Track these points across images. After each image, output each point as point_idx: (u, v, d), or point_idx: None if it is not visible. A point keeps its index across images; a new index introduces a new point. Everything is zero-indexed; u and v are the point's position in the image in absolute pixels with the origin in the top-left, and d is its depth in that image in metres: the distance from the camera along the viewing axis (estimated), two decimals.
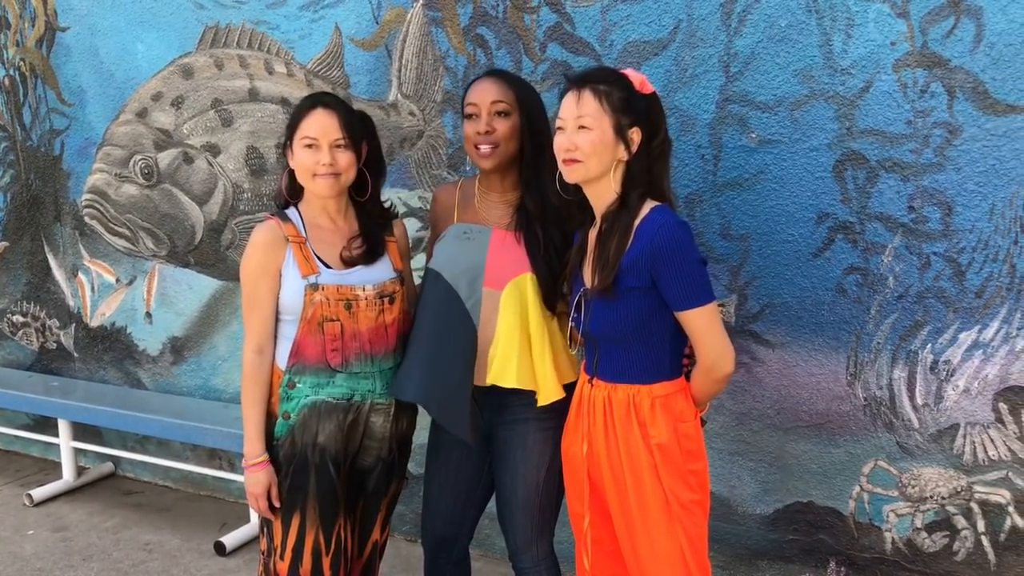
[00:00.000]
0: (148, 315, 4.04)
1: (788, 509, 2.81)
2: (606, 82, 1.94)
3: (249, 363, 2.20)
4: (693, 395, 2.02)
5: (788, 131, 2.61)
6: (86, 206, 4.06)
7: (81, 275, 4.21)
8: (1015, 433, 2.49)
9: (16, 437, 4.53)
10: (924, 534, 2.64)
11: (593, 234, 2.05)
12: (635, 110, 1.94)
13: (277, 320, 2.21)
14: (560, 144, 1.96)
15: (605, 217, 2.00)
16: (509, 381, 2.14)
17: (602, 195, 2.00)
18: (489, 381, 2.17)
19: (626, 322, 1.95)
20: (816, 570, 2.80)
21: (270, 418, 2.22)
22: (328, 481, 2.20)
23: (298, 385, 2.19)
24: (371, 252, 2.24)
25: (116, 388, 4.15)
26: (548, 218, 2.17)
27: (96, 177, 4.00)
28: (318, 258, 2.19)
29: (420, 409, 2.40)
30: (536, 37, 2.94)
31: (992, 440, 2.52)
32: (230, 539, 3.49)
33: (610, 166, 1.95)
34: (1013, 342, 2.46)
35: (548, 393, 2.17)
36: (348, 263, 2.21)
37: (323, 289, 2.16)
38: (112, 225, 4.00)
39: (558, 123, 1.97)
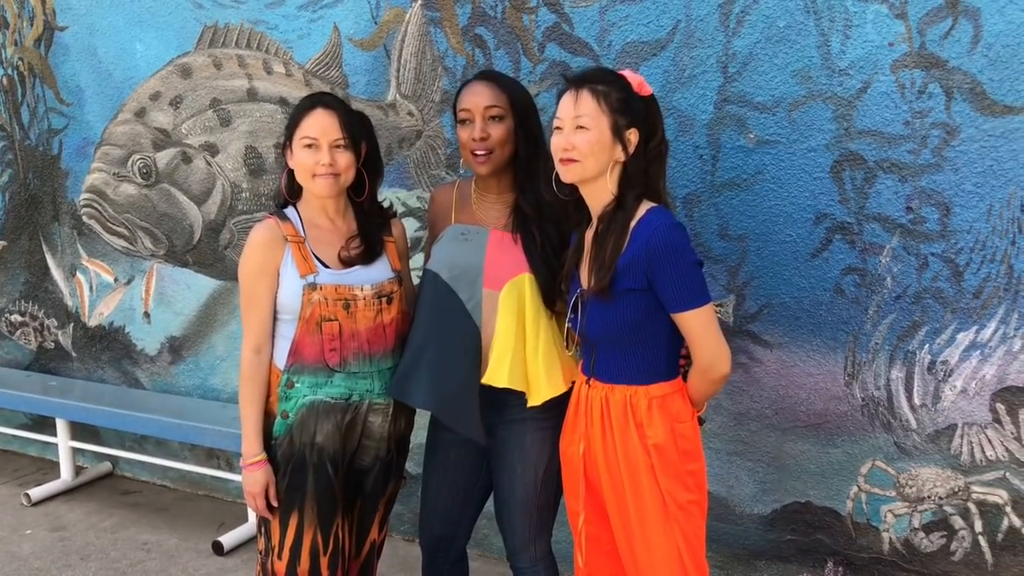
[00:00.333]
0: (146, 315, 4.04)
1: (786, 509, 2.81)
2: (604, 82, 1.94)
3: (247, 362, 2.20)
4: (690, 396, 2.02)
5: (786, 132, 2.62)
6: (84, 205, 4.06)
7: (79, 275, 4.21)
8: (1012, 433, 2.49)
9: (14, 436, 4.53)
10: (921, 534, 2.64)
11: (589, 235, 2.05)
12: (633, 111, 1.95)
13: (275, 319, 2.21)
14: (557, 144, 1.96)
15: (601, 218, 2.00)
16: (501, 381, 2.14)
17: (599, 195, 2.00)
18: (483, 381, 2.17)
19: (622, 323, 1.96)
20: (814, 570, 2.80)
21: (268, 417, 2.23)
22: (326, 481, 2.20)
23: (296, 385, 2.19)
24: (369, 252, 2.24)
25: (114, 388, 4.15)
26: (545, 218, 2.17)
27: (94, 176, 4.00)
28: (316, 258, 2.19)
29: (419, 409, 2.41)
30: (535, 37, 2.94)
31: (989, 440, 2.52)
32: (228, 539, 3.49)
33: (607, 166, 1.95)
34: (1010, 342, 2.46)
35: (539, 394, 2.16)
36: (346, 263, 2.21)
37: (321, 289, 2.16)
38: (110, 224, 4.00)
39: (556, 123, 1.97)
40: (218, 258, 3.77)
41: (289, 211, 2.25)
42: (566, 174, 1.97)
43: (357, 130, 2.20)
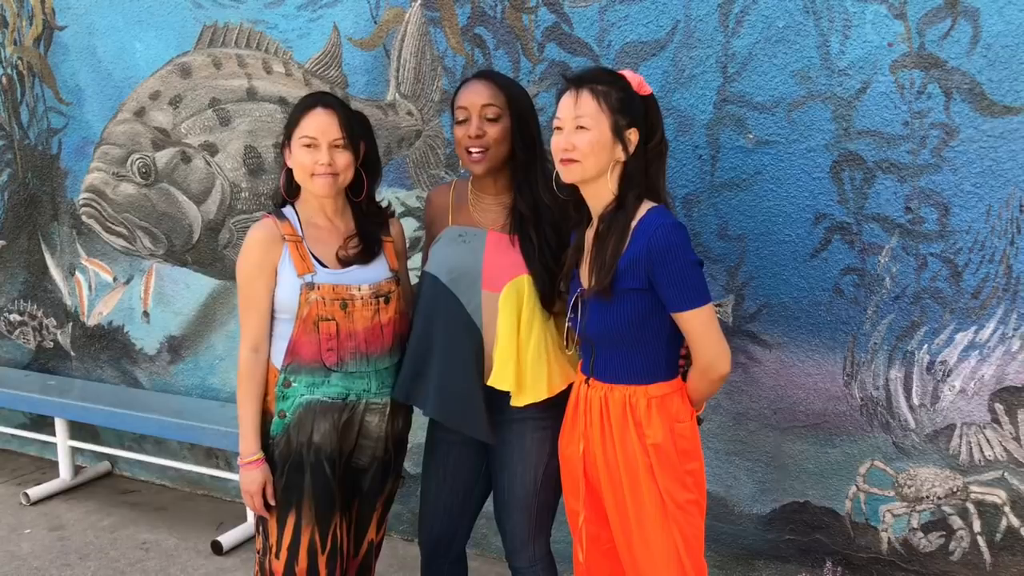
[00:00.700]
0: (145, 314, 4.04)
1: (785, 509, 2.81)
2: (604, 83, 1.94)
3: (245, 361, 2.20)
4: (689, 395, 2.02)
5: (785, 132, 2.62)
6: (83, 205, 4.06)
7: (78, 274, 4.21)
8: (1011, 433, 2.50)
9: (13, 436, 4.53)
10: (920, 534, 2.65)
11: (590, 235, 2.05)
12: (633, 111, 1.95)
13: (273, 319, 2.21)
14: (558, 144, 1.96)
15: (602, 218, 2.00)
16: (506, 384, 2.14)
17: (599, 195, 2.00)
18: (489, 383, 2.17)
19: (623, 323, 1.96)
20: (812, 570, 2.80)
21: (266, 416, 2.23)
22: (323, 480, 2.20)
23: (294, 384, 2.19)
24: (367, 252, 2.24)
25: (113, 387, 4.15)
26: (542, 219, 2.17)
27: (94, 176, 4.00)
28: (314, 257, 2.19)
29: (416, 408, 2.41)
30: (534, 37, 2.94)
31: (988, 440, 2.52)
32: (227, 538, 3.49)
33: (607, 166, 1.95)
34: (1009, 343, 2.47)
35: (522, 396, 2.16)
36: (344, 262, 2.21)
37: (319, 288, 2.16)
38: (109, 224, 4.00)
39: (556, 123, 1.97)
40: (217, 257, 3.77)
41: (287, 210, 2.25)
42: (567, 174, 1.97)
43: (356, 130, 2.20)
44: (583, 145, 1.92)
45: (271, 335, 2.22)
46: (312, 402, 2.18)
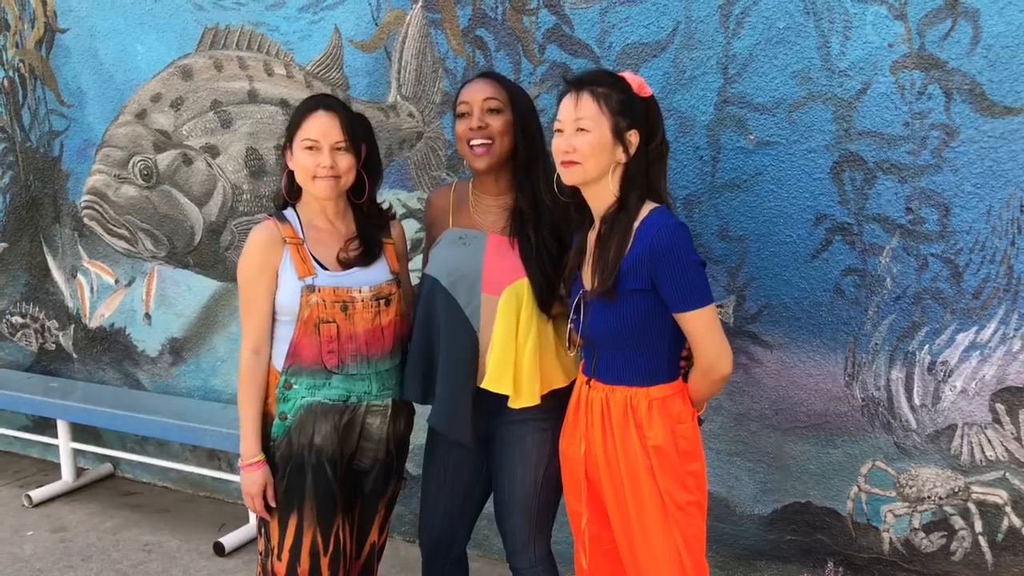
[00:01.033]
0: (147, 316, 4.04)
1: (786, 509, 2.81)
2: (604, 84, 1.95)
3: (246, 363, 2.21)
4: (690, 396, 2.03)
5: (786, 133, 2.62)
6: (85, 207, 4.06)
7: (80, 276, 4.21)
8: (1012, 433, 2.50)
9: (15, 438, 4.54)
10: (922, 534, 2.65)
11: (592, 236, 2.06)
12: (633, 112, 1.95)
13: (274, 321, 2.22)
14: (558, 146, 1.96)
15: (604, 219, 2.00)
16: (501, 387, 2.15)
17: (601, 197, 2.00)
18: (484, 385, 2.17)
19: (625, 324, 1.96)
20: (814, 570, 2.80)
21: (267, 419, 2.23)
22: (325, 482, 2.20)
23: (294, 386, 2.19)
24: (368, 254, 2.24)
25: (115, 389, 4.15)
26: (542, 219, 2.17)
27: (95, 178, 4.00)
28: (315, 259, 2.20)
29: (418, 409, 2.41)
30: (535, 39, 2.94)
31: (989, 440, 2.53)
32: (229, 540, 3.49)
33: (608, 168, 1.95)
34: (1010, 343, 2.47)
35: (526, 398, 2.16)
36: (345, 265, 2.21)
37: (319, 291, 2.16)
38: (111, 226, 4.01)
39: (556, 125, 1.98)
40: (219, 259, 3.78)
41: (288, 212, 2.25)
42: (568, 176, 1.97)
43: (358, 132, 2.20)
44: (584, 147, 1.92)
45: (272, 337, 2.22)
46: (313, 404, 2.18)
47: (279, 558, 2.22)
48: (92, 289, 4.19)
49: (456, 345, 2.17)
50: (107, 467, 4.33)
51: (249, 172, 3.62)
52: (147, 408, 3.80)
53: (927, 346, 2.56)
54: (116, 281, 4.11)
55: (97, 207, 4.02)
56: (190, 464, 3.99)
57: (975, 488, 2.56)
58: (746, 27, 2.62)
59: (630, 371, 2.00)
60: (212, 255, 3.79)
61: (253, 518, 3.61)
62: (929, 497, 2.62)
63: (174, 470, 4.08)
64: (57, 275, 4.29)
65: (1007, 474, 2.52)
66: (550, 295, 2.16)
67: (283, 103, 3.47)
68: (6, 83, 4.20)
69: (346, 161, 2.16)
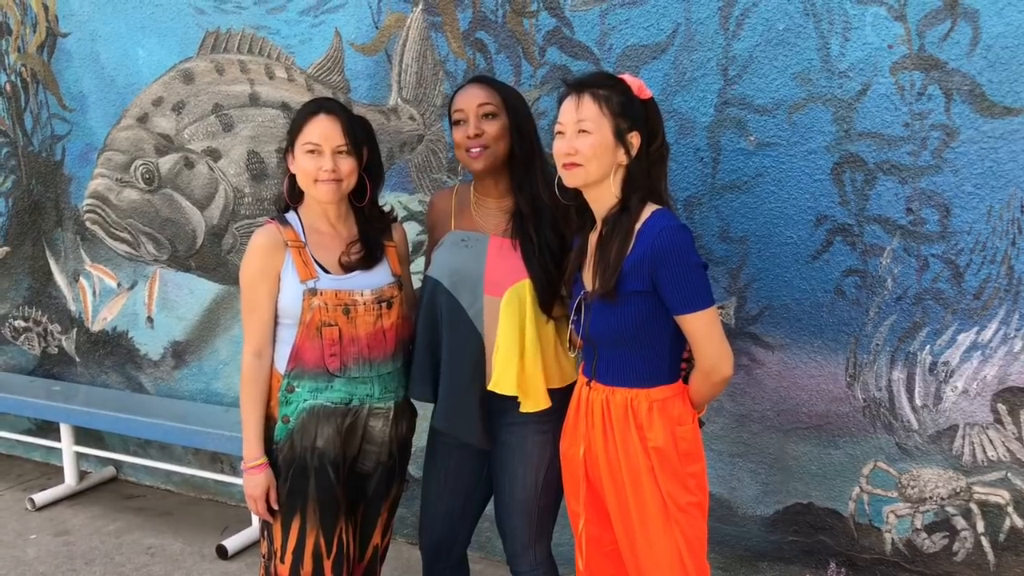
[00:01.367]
0: (149, 319, 4.05)
1: (788, 510, 2.82)
2: (605, 87, 1.95)
3: (248, 366, 2.21)
4: (691, 398, 2.03)
5: (786, 134, 2.62)
6: (87, 211, 4.07)
7: (83, 280, 4.22)
8: (1014, 434, 2.50)
9: (18, 442, 4.54)
10: (924, 535, 2.65)
11: (593, 238, 2.06)
12: (634, 114, 1.96)
13: (276, 324, 2.22)
14: (560, 148, 1.97)
15: (606, 221, 2.00)
16: (507, 389, 2.15)
17: (602, 199, 2.01)
18: (489, 388, 2.17)
19: (626, 325, 1.96)
20: (816, 571, 2.80)
21: (270, 422, 2.23)
22: (327, 484, 2.21)
23: (297, 389, 2.19)
24: (370, 257, 2.25)
25: (118, 392, 4.16)
26: (542, 219, 2.18)
27: (97, 182, 4.01)
28: (317, 263, 2.20)
29: (420, 412, 2.42)
30: (535, 41, 2.95)
31: (991, 441, 2.53)
32: (232, 543, 3.50)
33: (610, 169, 1.96)
34: (1011, 343, 2.47)
35: (535, 402, 2.17)
36: (347, 268, 2.22)
37: (321, 294, 2.16)
38: (113, 230, 4.02)
39: (557, 128, 1.98)
40: (221, 263, 3.78)
41: (290, 216, 2.26)
42: (570, 178, 1.98)
43: (359, 136, 2.21)
44: (585, 148, 1.93)
45: (274, 340, 2.23)
46: (315, 407, 2.19)
47: (282, 561, 2.22)
48: (94, 293, 4.19)
49: (461, 346, 2.18)
50: (110, 470, 4.33)
51: (250, 175, 3.62)
52: (150, 411, 3.80)
53: (928, 347, 2.56)
54: (118, 285, 4.11)
55: (99, 211, 4.03)
56: (193, 467, 3.99)
57: (977, 488, 2.56)
58: (746, 29, 2.62)
59: (631, 372, 2.00)
60: (214, 258, 3.79)
61: (256, 521, 3.61)
62: (931, 498, 2.62)
63: (177, 473, 4.08)
64: (59, 279, 4.30)
65: (1009, 474, 2.52)
66: (551, 295, 2.17)
67: (284, 106, 3.48)
68: (8, 87, 4.21)
69: (348, 164, 2.17)
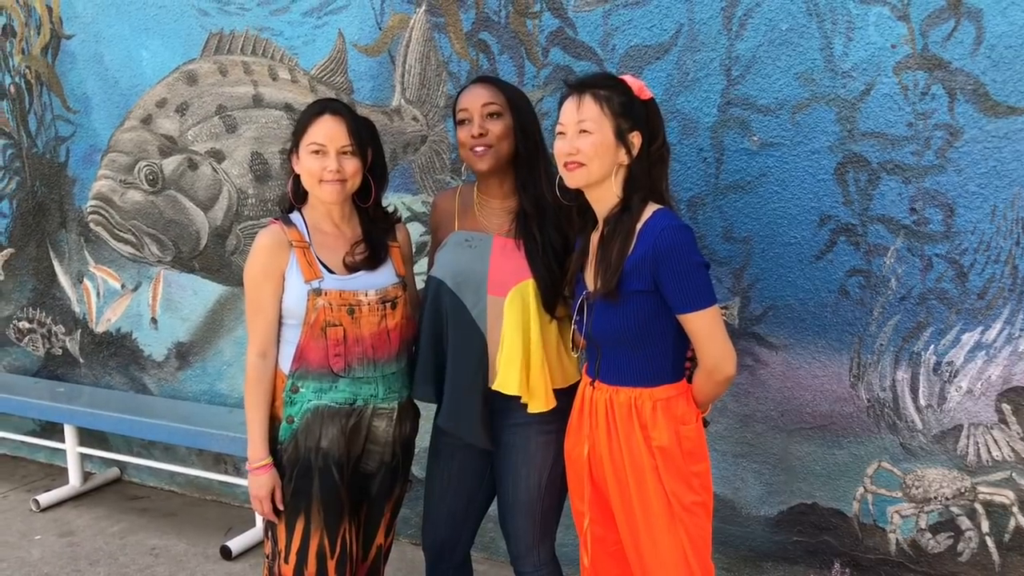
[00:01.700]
0: (153, 320, 4.06)
1: (792, 511, 2.81)
2: (606, 87, 1.96)
3: (252, 367, 2.22)
4: (695, 397, 2.03)
5: (790, 134, 2.62)
6: (91, 212, 4.08)
7: (87, 281, 4.23)
8: (1018, 434, 2.49)
9: (23, 443, 4.55)
10: (928, 535, 2.64)
11: (595, 238, 2.06)
12: (635, 114, 1.96)
13: (280, 324, 2.22)
14: (561, 149, 1.97)
15: (607, 221, 2.01)
16: (512, 389, 2.15)
17: (604, 199, 2.01)
18: (494, 387, 2.18)
19: (629, 325, 1.96)
20: (820, 571, 2.80)
21: (274, 422, 2.24)
22: (331, 485, 2.21)
23: (301, 390, 2.20)
24: (374, 257, 2.25)
25: (122, 393, 4.17)
26: (546, 218, 2.18)
27: (101, 183, 4.02)
28: (321, 263, 2.20)
29: (423, 412, 2.42)
30: (538, 42, 2.95)
31: (995, 441, 2.52)
32: (236, 543, 3.50)
33: (611, 169, 1.96)
34: (1016, 343, 2.47)
35: (540, 403, 2.17)
36: (351, 268, 2.22)
37: (326, 294, 2.17)
38: (117, 231, 4.02)
39: (559, 128, 1.99)
40: (224, 264, 3.79)
41: (295, 216, 2.26)
42: (571, 179, 1.98)
43: (364, 136, 2.21)
44: (587, 148, 1.93)
45: (279, 341, 2.23)
46: (320, 407, 2.19)
47: (286, 561, 2.22)
48: (98, 294, 4.20)
49: (464, 346, 2.18)
50: (114, 471, 4.34)
51: (254, 176, 3.63)
52: (154, 412, 3.81)
53: (932, 346, 2.56)
54: (122, 286, 4.12)
55: (103, 212, 4.03)
56: (197, 468, 3.99)
57: (981, 488, 2.56)
58: (749, 29, 2.62)
59: (634, 372, 2.00)
60: (218, 259, 3.80)
61: (260, 521, 3.62)
62: (935, 498, 2.61)
63: (181, 474, 4.09)
64: (64, 280, 4.31)
65: (1013, 474, 2.52)
66: (555, 295, 2.17)
67: (288, 107, 3.48)
68: (12, 89, 4.22)
69: (352, 165, 2.17)
